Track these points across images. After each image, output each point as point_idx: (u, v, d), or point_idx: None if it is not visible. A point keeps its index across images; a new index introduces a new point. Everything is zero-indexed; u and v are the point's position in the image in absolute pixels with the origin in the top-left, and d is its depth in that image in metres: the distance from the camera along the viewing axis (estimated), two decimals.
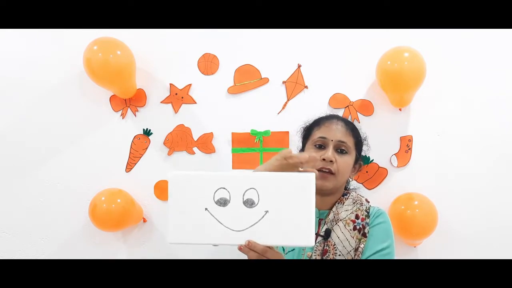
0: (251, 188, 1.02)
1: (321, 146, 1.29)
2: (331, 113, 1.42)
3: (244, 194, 1.02)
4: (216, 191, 1.03)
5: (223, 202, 1.02)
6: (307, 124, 1.41)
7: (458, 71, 1.70)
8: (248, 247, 1.01)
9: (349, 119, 1.70)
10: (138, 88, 1.73)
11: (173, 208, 1.04)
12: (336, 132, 1.29)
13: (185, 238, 1.04)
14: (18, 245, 1.74)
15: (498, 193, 1.69)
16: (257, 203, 1.02)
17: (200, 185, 1.03)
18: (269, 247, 1.02)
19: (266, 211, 1.02)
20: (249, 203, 1.02)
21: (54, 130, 1.73)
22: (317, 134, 1.31)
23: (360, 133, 1.37)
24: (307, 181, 1.02)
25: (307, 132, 1.38)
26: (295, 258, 1.23)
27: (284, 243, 1.05)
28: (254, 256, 1.02)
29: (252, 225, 1.02)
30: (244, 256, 1.10)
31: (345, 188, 1.36)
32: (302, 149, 1.39)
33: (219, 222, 1.02)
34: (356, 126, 1.37)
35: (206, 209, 1.03)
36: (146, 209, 1.74)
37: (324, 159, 1.25)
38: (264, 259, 1.02)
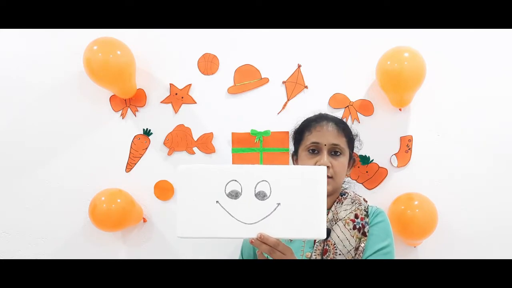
0: (263, 181, 1.02)
1: (315, 151, 1.29)
2: (320, 113, 1.40)
3: (256, 186, 1.02)
4: (228, 183, 1.02)
5: (234, 195, 1.02)
6: (297, 127, 1.40)
7: (458, 71, 1.70)
8: (260, 240, 1.00)
9: (349, 119, 1.70)
10: (138, 88, 1.73)
11: (182, 201, 1.03)
12: (328, 136, 1.28)
13: (194, 232, 1.02)
14: (18, 245, 1.74)
15: (498, 193, 1.69)
16: (269, 195, 1.02)
17: (211, 178, 1.02)
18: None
19: (278, 204, 1.01)
20: (261, 196, 1.01)
21: (54, 130, 1.73)
22: (309, 139, 1.30)
23: (351, 130, 1.37)
24: (319, 173, 1.03)
25: (299, 136, 1.36)
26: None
27: (296, 235, 1.04)
28: (265, 249, 1.01)
29: (264, 218, 1.01)
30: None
31: (342, 187, 1.36)
32: (295, 153, 1.38)
33: (230, 215, 1.01)
34: (346, 123, 1.37)
35: (217, 201, 1.01)
36: (146, 209, 1.73)
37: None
38: (277, 253, 1.02)
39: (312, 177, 1.02)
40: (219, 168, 1.04)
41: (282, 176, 1.02)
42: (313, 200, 1.02)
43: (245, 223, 1.01)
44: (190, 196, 1.03)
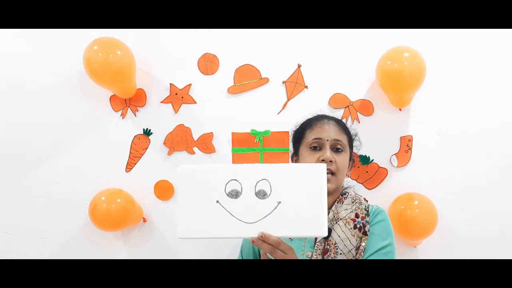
0: (263, 179, 1.01)
1: (317, 148, 1.29)
2: (320, 114, 1.41)
3: (256, 185, 1.01)
4: (228, 183, 1.01)
5: (235, 194, 1.01)
6: (297, 127, 1.40)
7: (458, 71, 1.70)
8: (261, 239, 0.99)
9: (349, 119, 1.70)
10: (138, 88, 1.73)
11: (182, 202, 1.02)
12: (330, 132, 1.29)
13: (195, 233, 1.02)
14: (18, 245, 1.74)
15: (498, 193, 1.69)
16: (270, 194, 1.01)
17: (210, 178, 1.02)
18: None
19: (279, 202, 1.01)
20: (261, 194, 1.01)
21: (54, 130, 1.73)
22: (310, 136, 1.31)
23: (350, 130, 1.38)
24: (319, 171, 1.02)
25: (299, 135, 1.37)
26: None
27: (298, 234, 1.03)
28: (267, 249, 1.01)
29: (264, 217, 1.01)
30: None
31: (342, 187, 1.36)
32: (295, 153, 1.38)
33: (231, 214, 1.01)
34: (345, 124, 1.37)
35: (217, 201, 1.01)
36: (146, 209, 1.73)
37: (323, 160, 1.25)
38: (278, 252, 1.01)
39: (312, 175, 1.02)
40: (219, 168, 1.04)
41: (282, 174, 1.02)
42: (314, 197, 1.01)
43: (246, 223, 1.01)
44: (190, 196, 1.02)
